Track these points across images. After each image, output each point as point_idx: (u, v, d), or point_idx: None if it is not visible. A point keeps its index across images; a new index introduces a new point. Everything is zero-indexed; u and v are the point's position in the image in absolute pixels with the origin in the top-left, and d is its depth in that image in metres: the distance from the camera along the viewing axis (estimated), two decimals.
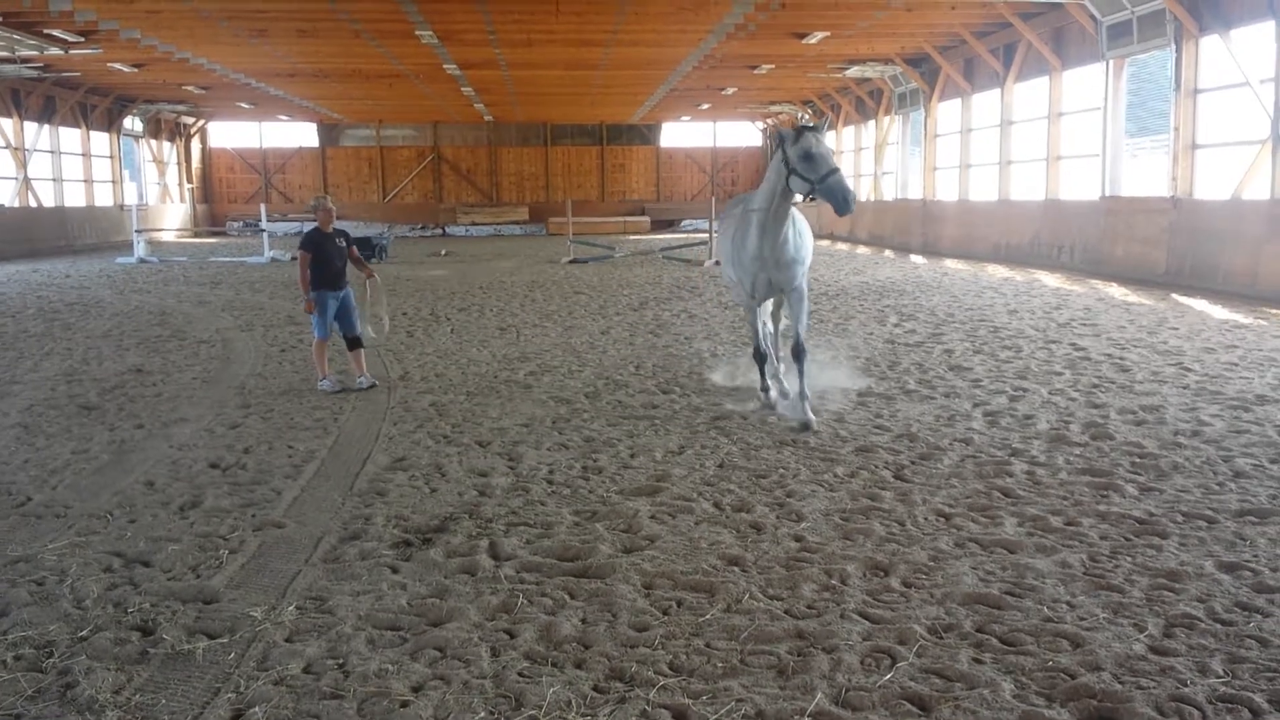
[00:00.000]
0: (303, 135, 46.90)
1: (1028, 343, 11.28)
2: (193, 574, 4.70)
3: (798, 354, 7.53)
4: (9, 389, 9.23)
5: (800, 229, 7.75)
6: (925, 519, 5.38)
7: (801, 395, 7.55)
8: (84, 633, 4.06)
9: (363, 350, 9.43)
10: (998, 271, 21.17)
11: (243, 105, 39.18)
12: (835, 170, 6.95)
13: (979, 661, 3.79)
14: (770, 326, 8.69)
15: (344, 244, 9.26)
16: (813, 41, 24.69)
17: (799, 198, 7.25)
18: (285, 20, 22.05)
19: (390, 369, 10.18)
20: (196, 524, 5.40)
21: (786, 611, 4.24)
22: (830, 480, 6.12)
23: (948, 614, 4.19)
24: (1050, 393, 8.57)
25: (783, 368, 8.62)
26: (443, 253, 30.17)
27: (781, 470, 6.34)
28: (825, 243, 34.48)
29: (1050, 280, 18.83)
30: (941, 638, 3.99)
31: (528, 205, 47.13)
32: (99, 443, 7.22)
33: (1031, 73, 23.16)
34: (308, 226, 10.02)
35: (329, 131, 46.69)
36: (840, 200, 6.79)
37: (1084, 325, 12.60)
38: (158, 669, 3.78)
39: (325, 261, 9.06)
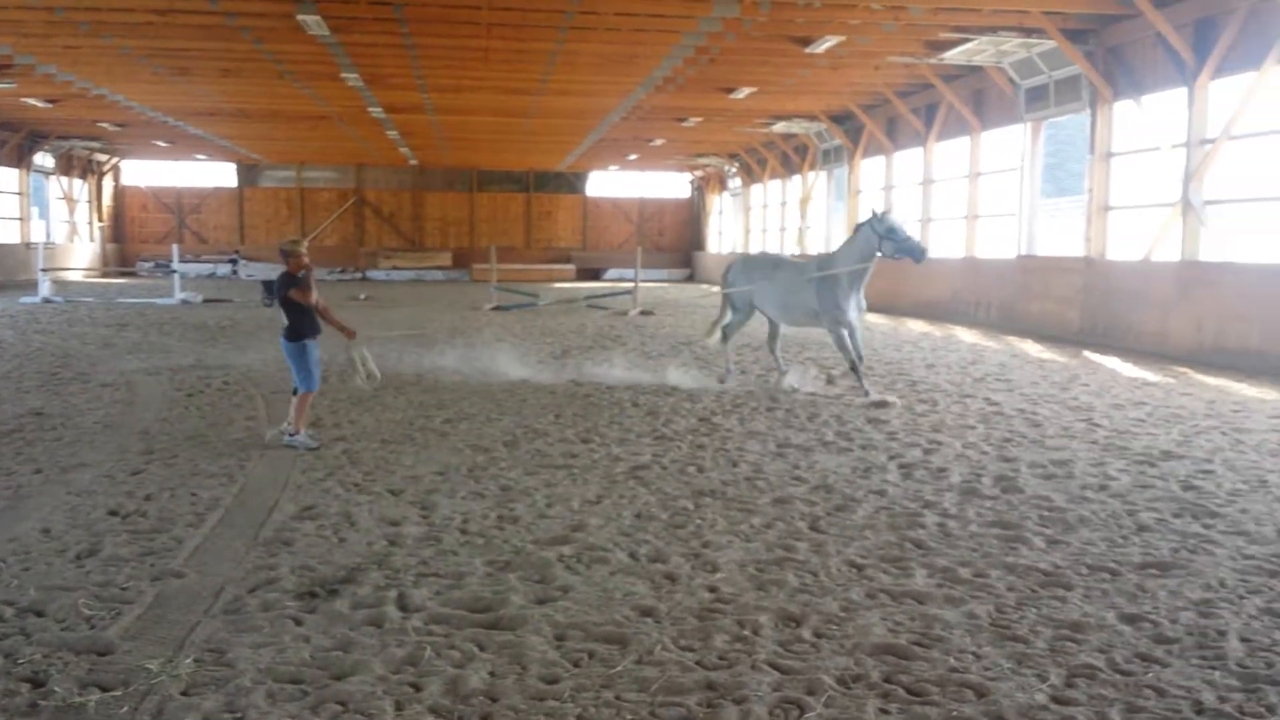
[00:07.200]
0: (220, 175, 46.18)
1: (943, 396, 11.51)
2: (87, 624, 4.50)
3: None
4: None
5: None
6: (838, 570, 5.41)
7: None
8: None
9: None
10: (917, 327, 21.60)
11: (159, 143, 38.46)
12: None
13: (885, 712, 3.81)
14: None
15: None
16: (740, 96, 25.19)
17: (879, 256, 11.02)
18: (209, 59, 21.78)
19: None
20: (93, 573, 5.18)
21: (698, 663, 4.20)
22: (747, 531, 6.12)
23: (857, 664, 4.21)
24: (964, 446, 8.72)
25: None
26: (362, 297, 29.57)
27: (699, 521, 6.33)
28: None
29: (967, 336, 19.28)
30: (849, 688, 4.00)
31: (451, 251, 46.90)
32: None
33: (952, 132, 23.82)
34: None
35: (248, 171, 46.04)
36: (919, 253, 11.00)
37: (998, 380, 12.89)
38: None
39: (307, 309, 8.73)
